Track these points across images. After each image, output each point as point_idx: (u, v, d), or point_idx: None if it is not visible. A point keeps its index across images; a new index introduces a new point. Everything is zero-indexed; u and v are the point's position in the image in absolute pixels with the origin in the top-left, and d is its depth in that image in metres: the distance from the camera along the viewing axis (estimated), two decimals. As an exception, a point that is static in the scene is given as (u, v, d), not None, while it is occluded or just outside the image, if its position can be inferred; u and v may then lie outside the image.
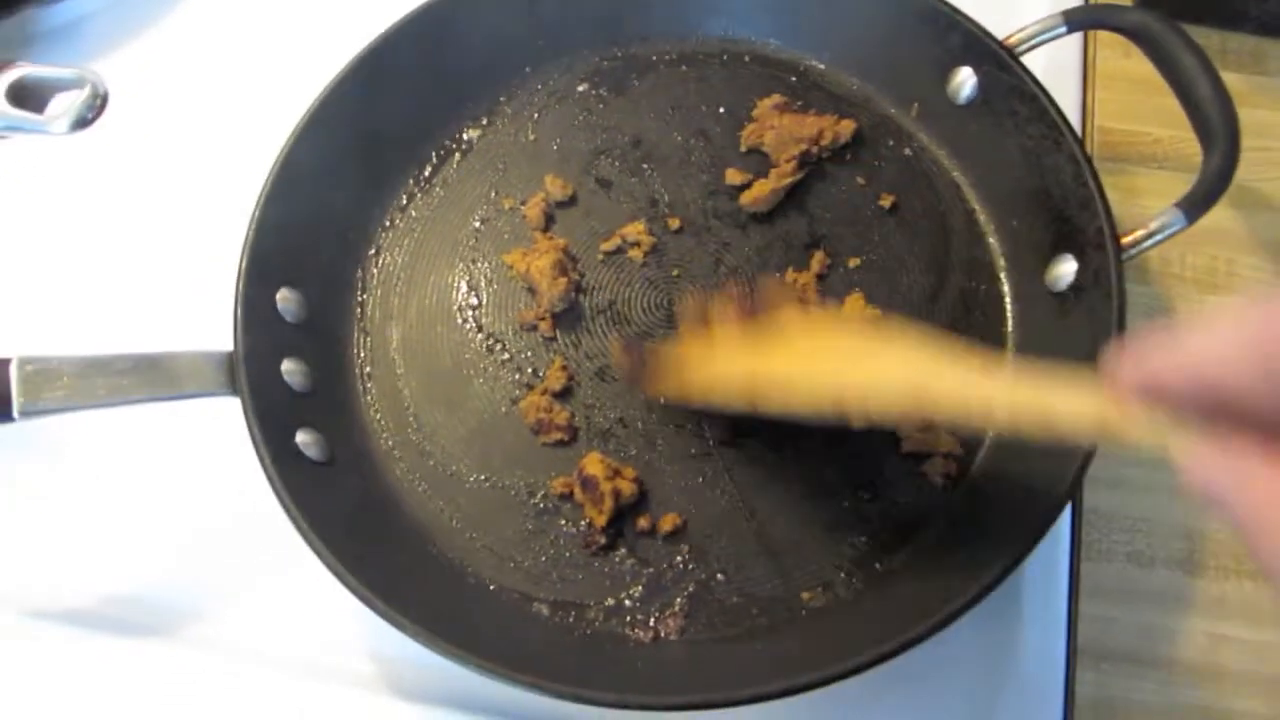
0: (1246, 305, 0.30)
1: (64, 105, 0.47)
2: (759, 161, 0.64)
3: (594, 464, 0.55)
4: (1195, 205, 0.53)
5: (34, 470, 0.61)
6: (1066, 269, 0.56)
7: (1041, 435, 0.38)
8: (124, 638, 0.57)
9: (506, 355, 0.60)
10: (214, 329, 0.55)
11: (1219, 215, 0.56)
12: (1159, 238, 0.54)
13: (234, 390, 0.53)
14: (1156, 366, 0.33)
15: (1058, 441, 0.39)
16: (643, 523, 0.55)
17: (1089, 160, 0.56)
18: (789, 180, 0.62)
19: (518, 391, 0.59)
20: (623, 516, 0.55)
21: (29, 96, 0.47)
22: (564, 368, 0.59)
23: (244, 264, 0.56)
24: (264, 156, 0.59)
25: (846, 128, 0.63)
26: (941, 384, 0.43)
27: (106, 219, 0.68)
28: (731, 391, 0.50)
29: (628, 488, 0.54)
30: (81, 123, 0.46)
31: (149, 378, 0.52)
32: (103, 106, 0.47)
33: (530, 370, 0.59)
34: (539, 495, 0.56)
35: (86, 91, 0.46)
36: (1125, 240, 0.54)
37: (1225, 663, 0.54)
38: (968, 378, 0.43)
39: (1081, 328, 0.54)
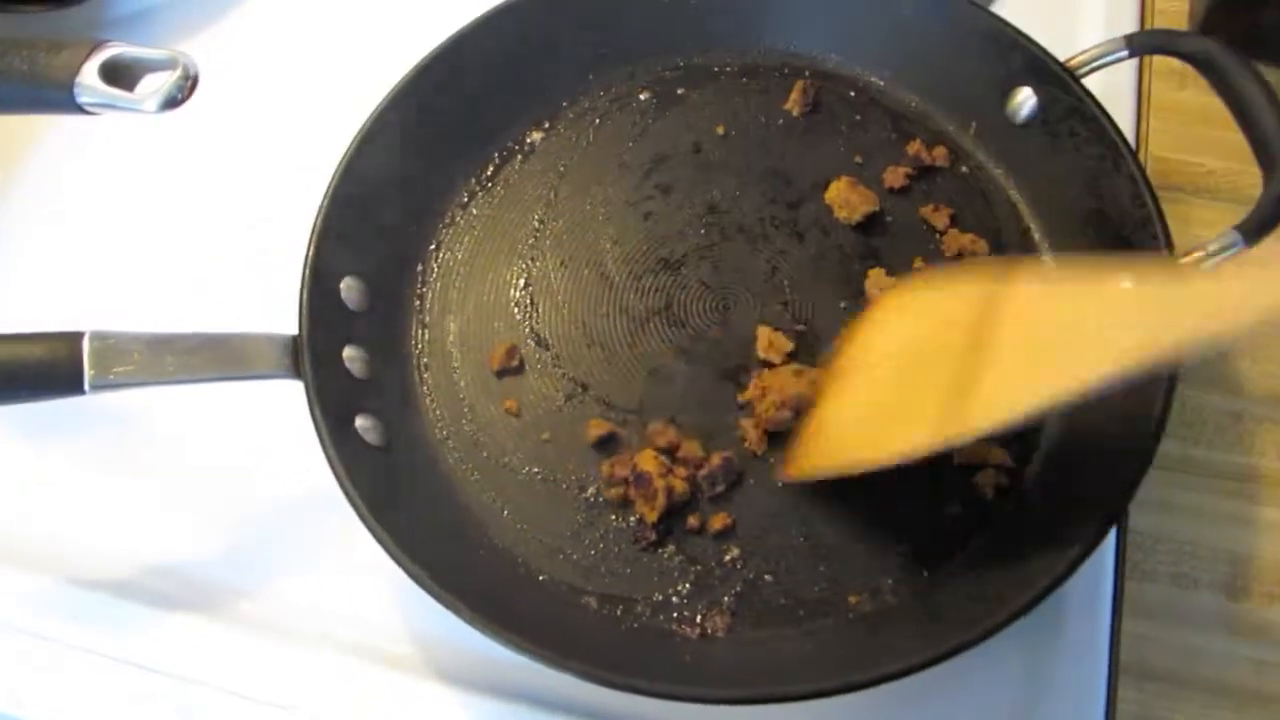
0: None
1: (154, 85, 0.48)
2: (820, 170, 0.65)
3: (648, 461, 0.55)
4: (1255, 229, 0.54)
5: (97, 441, 0.62)
6: (1122, 289, 0.56)
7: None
8: (166, 610, 0.57)
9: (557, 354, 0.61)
10: (279, 313, 0.56)
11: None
12: (1216, 259, 0.54)
13: (297, 374, 0.54)
14: None
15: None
16: (692, 521, 0.55)
17: (1148, 182, 0.57)
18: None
19: (571, 388, 0.60)
20: (673, 514, 0.55)
21: (120, 75, 0.48)
22: (619, 366, 0.60)
23: (311, 251, 0.57)
24: (332, 148, 0.60)
25: (940, 154, 0.65)
26: (1140, 323, 0.40)
27: (177, 201, 0.70)
28: (917, 441, 0.46)
29: (680, 485, 0.55)
30: (171, 102, 0.47)
31: (216, 357, 0.53)
32: (193, 88, 0.48)
33: (582, 370, 0.60)
34: (590, 490, 0.57)
35: (178, 72, 0.47)
36: (1183, 261, 0.54)
37: (1267, 688, 0.54)
38: (1162, 300, 0.40)
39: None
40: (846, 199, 0.63)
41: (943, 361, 0.47)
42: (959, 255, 0.61)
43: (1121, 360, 0.41)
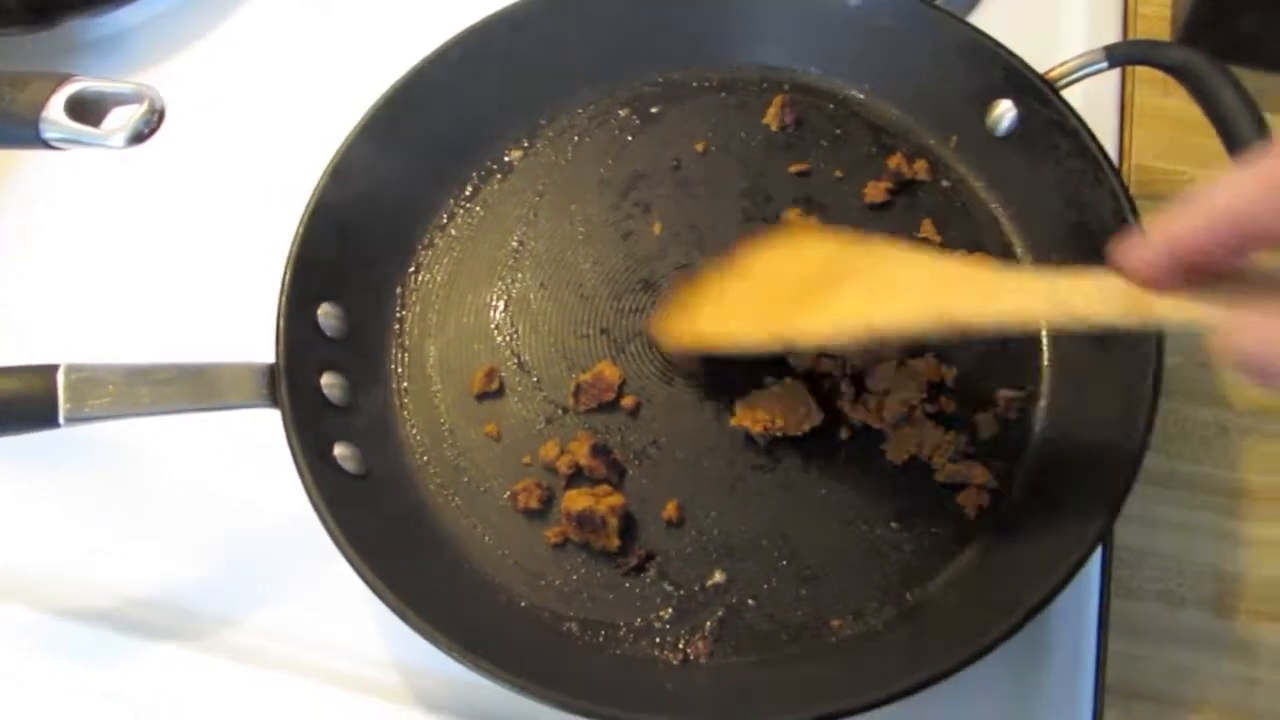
0: (1258, 157, 0.35)
1: (121, 119, 0.48)
2: (801, 185, 0.65)
3: (577, 500, 0.55)
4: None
5: (76, 470, 0.62)
6: (1104, 304, 0.56)
7: (1071, 326, 0.42)
8: (151, 641, 0.57)
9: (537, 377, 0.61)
10: (256, 341, 0.56)
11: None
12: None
13: (275, 403, 0.54)
14: (1182, 226, 0.36)
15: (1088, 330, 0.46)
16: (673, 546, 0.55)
17: (1129, 196, 0.56)
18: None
19: (552, 410, 0.59)
20: (636, 535, 0.55)
21: (86, 110, 0.48)
22: (598, 390, 0.59)
23: (287, 278, 0.57)
24: (307, 173, 0.60)
25: (921, 168, 0.64)
26: (964, 292, 0.45)
27: (152, 230, 0.70)
28: (752, 334, 0.52)
29: (618, 500, 0.55)
30: (138, 137, 0.47)
31: (192, 388, 0.53)
32: (160, 121, 0.47)
33: (563, 392, 0.60)
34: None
35: (144, 106, 0.47)
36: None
37: (1256, 707, 0.54)
38: (988, 282, 0.45)
39: (1118, 361, 0.54)
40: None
41: (801, 285, 0.53)
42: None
43: (924, 315, 0.46)
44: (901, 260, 0.50)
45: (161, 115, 0.48)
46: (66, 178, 0.70)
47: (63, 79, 0.48)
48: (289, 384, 0.54)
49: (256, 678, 0.56)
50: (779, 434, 0.56)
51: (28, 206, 0.71)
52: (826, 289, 0.51)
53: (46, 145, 0.48)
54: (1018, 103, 0.61)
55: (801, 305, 0.51)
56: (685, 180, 0.65)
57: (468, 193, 0.66)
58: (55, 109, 0.47)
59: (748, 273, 0.57)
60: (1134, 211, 0.56)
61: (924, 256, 0.51)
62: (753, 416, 0.56)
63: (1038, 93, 0.60)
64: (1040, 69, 0.60)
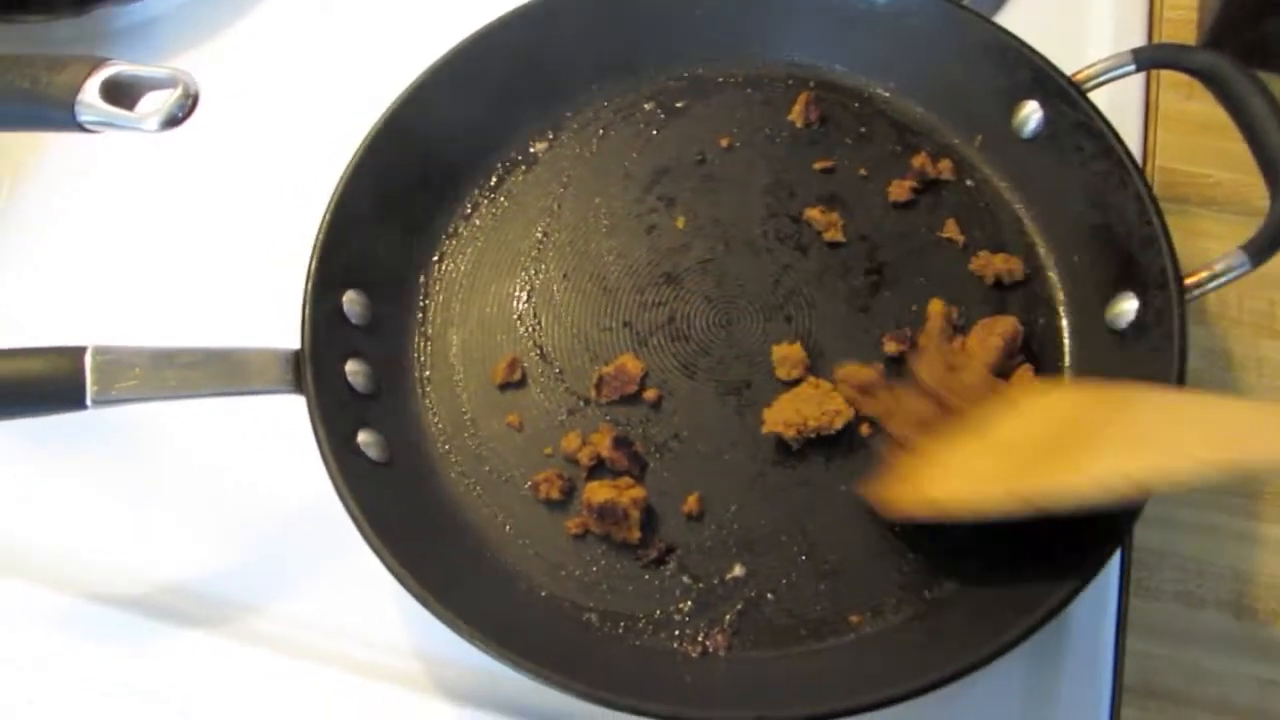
0: None
1: (155, 104, 0.48)
2: (825, 182, 0.65)
3: (599, 492, 0.55)
4: (1261, 249, 0.53)
5: (104, 455, 0.63)
6: (1128, 307, 0.56)
7: None
8: (172, 625, 0.58)
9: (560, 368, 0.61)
10: (281, 327, 0.56)
11: (1276, 261, 0.56)
12: (1223, 280, 0.54)
13: (299, 389, 0.54)
14: None
15: None
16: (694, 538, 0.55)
17: (1154, 199, 0.56)
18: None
19: (574, 402, 0.59)
20: (656, 527, 0.56)
21: (121, 94, 0.48)
22: (621, 383, 0.60)
23: (313, 265, 0.57)
24: (334, 160, 0.60)
25: (945, 167, 0.64)
26: (1247, 437, 0.43)
27: (178, 214, 0.70)
28: (994, 496, 0.49)
29: (640, 493, 0.55)
30: (172, 121, 0.47)
31: (218, 372, 0.53)
32: (194, 106, 0.48)
33: (585, 383, 0.60)
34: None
35: (179, 91, 0.47)
36: (1189, 281, 0.54)
37: (1274, 708, 0.54)
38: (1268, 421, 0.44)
39: (1141, 367, 0.54)
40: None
41: (1044, 443, 0.51)
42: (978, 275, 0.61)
43: (1190, 464, 0.44)
44: (1161, 406, 0.48)
45: (196, 100, 0.48)
46: (97, 159, 0.71)
47: (99, 62, 0.48)
48: (314, 370, 0.55)
49: (277, 664, 0.56)
50: (812, 435, 0.56)
51: (56, 189, 0.72)
52: (1078, 445, 0.49)
53: (81, 128, 0.49)
54: (1044, 104, 0.61)
55: (1048, 464, 0.49)
56: (709, 175, 0.66)
57: (492, 183, 0.66)
58: (91, 92, 0.48)
59: (981, 435, 0.54)
60: (1159, 214, 0.56)
61: (1183, 398, 0.49)
62: (784, 421, 0.56)
63: (1065, 95, 0.60)
64: (1068, 71, 0.60)
